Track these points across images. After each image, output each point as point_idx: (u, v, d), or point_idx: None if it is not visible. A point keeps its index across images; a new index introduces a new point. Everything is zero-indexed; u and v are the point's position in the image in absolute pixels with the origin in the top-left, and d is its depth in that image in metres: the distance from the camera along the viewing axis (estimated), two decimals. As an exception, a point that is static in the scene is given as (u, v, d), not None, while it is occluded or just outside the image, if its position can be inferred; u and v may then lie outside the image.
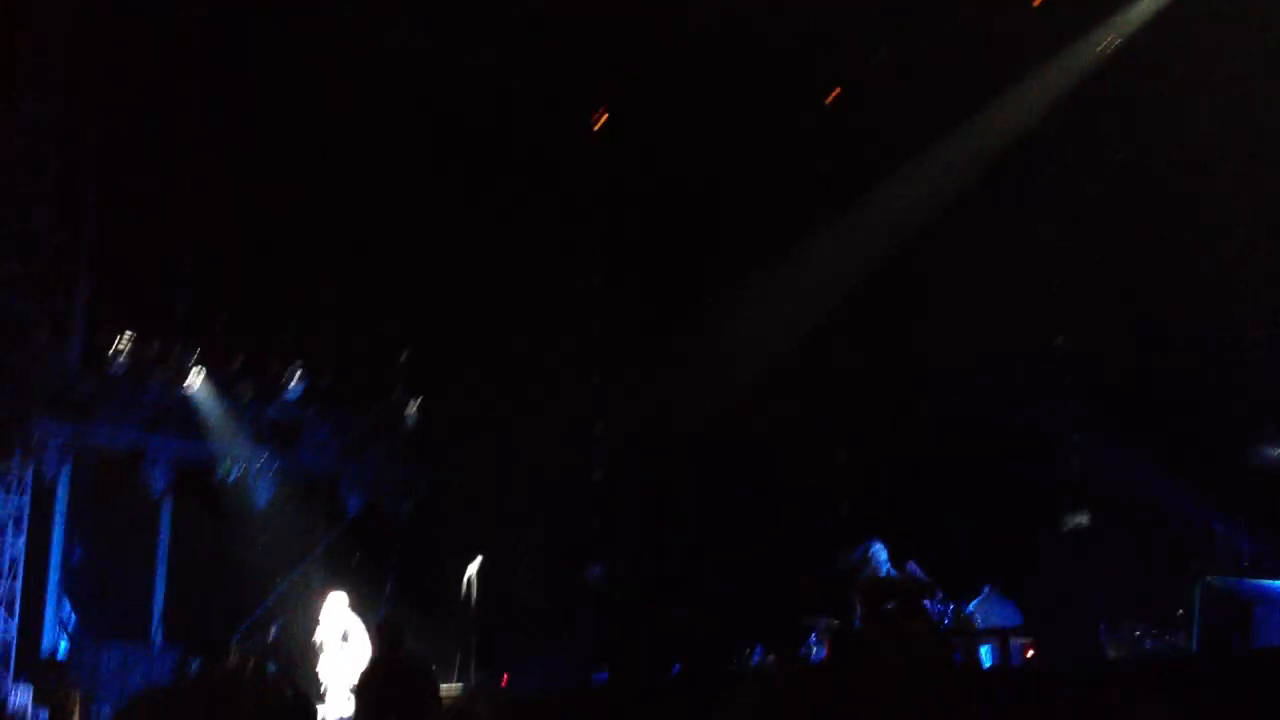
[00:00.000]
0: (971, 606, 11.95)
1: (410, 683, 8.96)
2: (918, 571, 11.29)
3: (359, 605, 15.71)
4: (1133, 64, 12.32)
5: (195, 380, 16.32)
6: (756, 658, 13.30)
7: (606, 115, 16.80)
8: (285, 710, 9.66)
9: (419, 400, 18.25)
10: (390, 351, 18.26)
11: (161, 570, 16.57)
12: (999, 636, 11.34)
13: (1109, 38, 12.51)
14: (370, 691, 8.97)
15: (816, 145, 15.12)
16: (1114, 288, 13.04)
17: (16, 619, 14.27)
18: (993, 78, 13.37)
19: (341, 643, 12.19)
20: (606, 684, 13.35)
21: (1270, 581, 9.05)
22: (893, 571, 11.50)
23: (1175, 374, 12.30)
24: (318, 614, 16.10)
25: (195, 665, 12.44)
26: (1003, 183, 13.44)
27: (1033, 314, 13.58)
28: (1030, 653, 11.03)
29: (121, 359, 15.95)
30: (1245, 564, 10.37)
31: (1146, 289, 12.74)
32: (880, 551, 11.70)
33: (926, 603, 11.46)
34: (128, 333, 15.97)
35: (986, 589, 12.07)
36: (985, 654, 11.38)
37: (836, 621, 12.00)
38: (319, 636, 12.74)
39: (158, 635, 16.03)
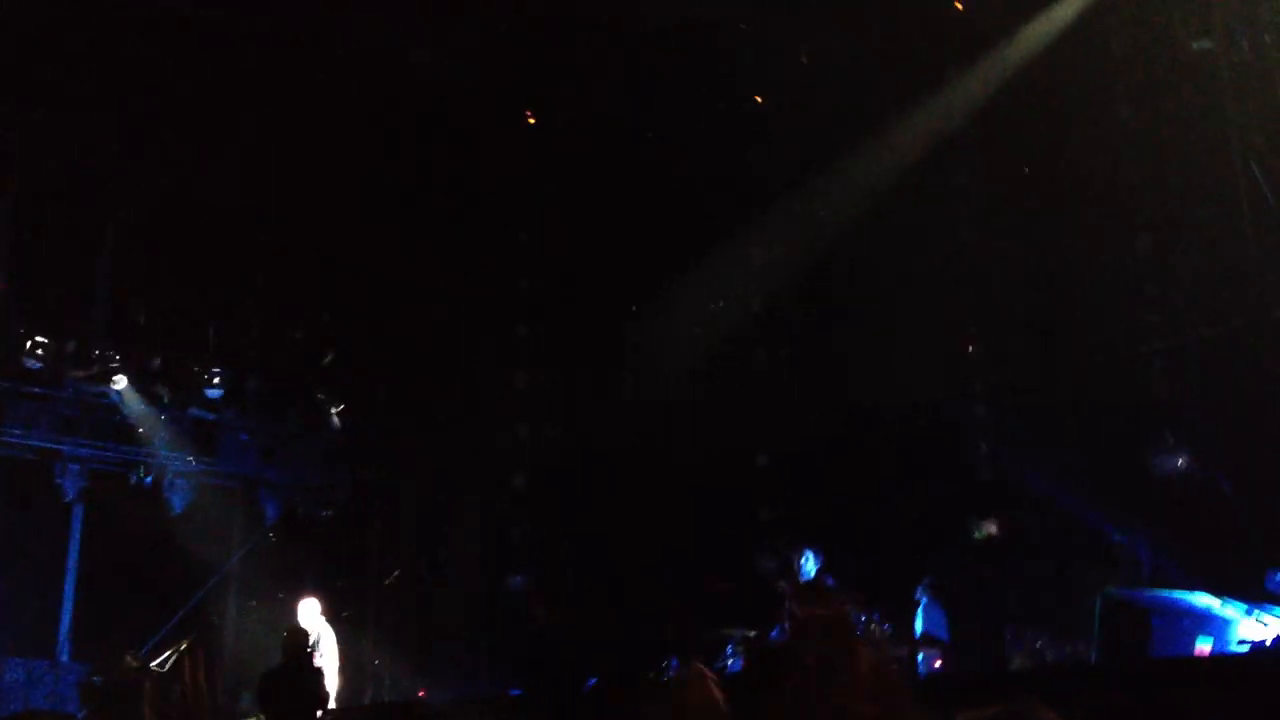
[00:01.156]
0: (919, 616, 11.92)
1: (307, 688, 10.53)
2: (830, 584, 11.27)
3: (276, 614, 15.62)
4: (1045, 73, 12.38)
5: (113, 382, 16.02)
6: (673, 670, 13.22)
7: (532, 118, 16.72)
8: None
9: (341, 405, 18.04)
10: (312, 355, 18.05)
11: (71, 580, 16.14)
12: (910, 647, 11.33)
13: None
14: (274, 694, 10.40)
15: (739, 146, 15.08)
16: (1022, 297, 13.12)
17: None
18: (912, 82, 13.41)
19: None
20: (521, 697, 13.20)
21: (1170, 592, 9.09)
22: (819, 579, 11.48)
23: (1078, 384, 12.38)
24: (237, 622, 15.97)
25: (98, 681, 12.24)
26: (919, 188, 13.46)
27: (946, 320, 13.63)
28: (938, 663, 11.02)
29: (36, 360, 15.60)
30: (1146, 575, 10.43)
31: (1053, 299, 12.82)
32: (809, 559, 11.65)
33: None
34: (41, 335, 15.63)
35: (926, 598, 12.04)
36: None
37: (753, 633, 11.98)
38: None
39: (65, 649, 15.60)
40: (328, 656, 12.19)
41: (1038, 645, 10.69)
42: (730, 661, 12.33)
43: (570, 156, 16.18)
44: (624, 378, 15.79)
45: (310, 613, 12.43)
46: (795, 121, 14.32)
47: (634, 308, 16.21)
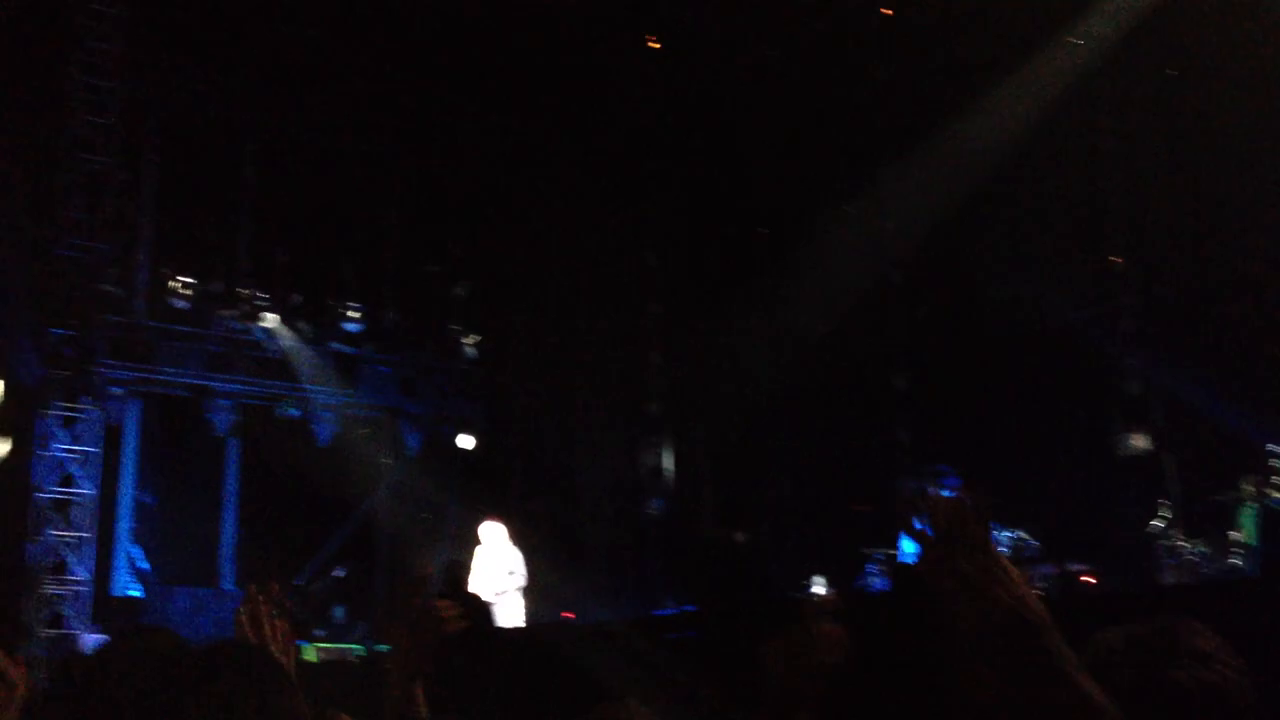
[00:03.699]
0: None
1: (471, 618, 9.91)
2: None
3: (423, 542, 16.07)
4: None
5: (262, 320, 16.49)
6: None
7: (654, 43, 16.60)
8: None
9: (476, 337, 18.34)
10: (448, 288, 18.34)
11: (230, 511, 16.78)
12: (1057, 565, 11.24)
13: None
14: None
15: (877, 85, 14.85)
16: (1173, 207, 12.77)
17: (92, 565, 14.44)
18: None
19: (508, 575, 12.43)
20: (665, 617, 13.40)
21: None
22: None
23: (1230, 292, 12.06)
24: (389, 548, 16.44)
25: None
26: (1066, 105, 13.13)
27: (1092, 234, 13.35)
28: (1084, 579, 10.91)
29: (183, 300, 16.12)
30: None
31: (1204, 208, 12.47)
32: (949, 478, 11.59)
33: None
34: (187, 275, 16.11)
35: None
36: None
37: (894, 552, 11.99)
38: (475, 560, 12.96)
39: (228, 578, 16.24)
40: (518, 578, 12.46)
41: (1192, 558, 10.54)
42: (873, 580, 12.40)
43: (707, 82, 16.01)
44: (760, 303, 15.71)
45: (497, 537, 12.64)
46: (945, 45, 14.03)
47: (772, 232, 16.05)
